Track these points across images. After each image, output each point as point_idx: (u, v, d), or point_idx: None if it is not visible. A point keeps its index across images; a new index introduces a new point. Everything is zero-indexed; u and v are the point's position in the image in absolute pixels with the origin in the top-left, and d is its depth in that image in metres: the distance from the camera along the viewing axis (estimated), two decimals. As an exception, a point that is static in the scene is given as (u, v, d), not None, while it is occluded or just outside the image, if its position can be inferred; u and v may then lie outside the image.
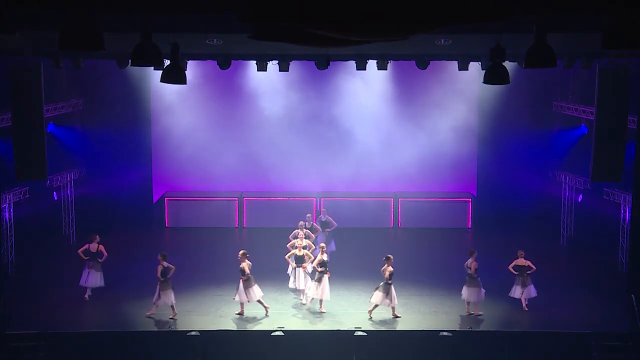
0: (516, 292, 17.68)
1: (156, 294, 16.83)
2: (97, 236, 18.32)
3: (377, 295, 16.82)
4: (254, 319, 16.87)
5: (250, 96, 25.07)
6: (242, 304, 17.07)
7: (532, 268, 17.63)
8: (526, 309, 17.56)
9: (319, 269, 17.16)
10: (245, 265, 16.93)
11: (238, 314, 17.03)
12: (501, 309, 17.68)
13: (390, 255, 17.08)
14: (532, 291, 17.75)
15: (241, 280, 16.87)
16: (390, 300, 16.80)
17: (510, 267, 17.70)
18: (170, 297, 16.83)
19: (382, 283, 16.89)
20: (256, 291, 17.03)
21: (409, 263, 19.59)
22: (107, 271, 18.47)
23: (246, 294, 16.87)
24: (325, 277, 17.19)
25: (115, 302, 17.83)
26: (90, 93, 24.28)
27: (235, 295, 16.96)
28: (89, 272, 18.02)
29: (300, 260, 17.74)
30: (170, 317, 16.83)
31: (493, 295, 18.05)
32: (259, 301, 17.12)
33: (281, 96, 24.95)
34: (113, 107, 24.32)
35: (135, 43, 11.85)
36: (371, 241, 22.85)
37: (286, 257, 18.25)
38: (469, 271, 17.22)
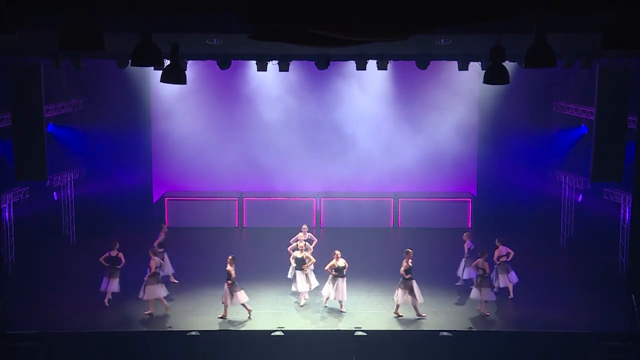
0: (502, 281, 17.92)
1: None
2: (117, 243, 18.13)
3: (477, 291, 17.15)
4: (255, 319, 16.88)
5: (251, 97, 25.07)
6: (150, 302, 17.19)
7: (510, 253, 17.83)
8: (512, 295, 17.88)
9: (407, 276, 16.93)
10: (153, 262, 17.18)
11: (147, 313, 17.07)
12: (501, 308, 17.68)
13: (484, 251, 17.39)
14: (513, 277, 18.03)
15: (147, 277, 17.08)
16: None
17: (495, 259, 17.90)
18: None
19: (478, 279, 17.15)
20: (158, 290, 17.16)
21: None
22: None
23: (144, 291, 17.08)
24: (414, 282, 17.01)
25: (115, 302, 17.82)
26: (90, 93, 24.27)
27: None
28: (109, 280, 17.70)
29: (300, 262, 17.68)
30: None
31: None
32: (158, 299, 17.26)
33: (282, 96, 24.94)
34: (113, 107, 24.30)
35: (135, 43, 11.86)
36: (371, 241, 22.85)
37: (290, 258, 18.19)
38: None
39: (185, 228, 24.49)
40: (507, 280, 18.05)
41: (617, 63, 17.23)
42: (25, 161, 17.68)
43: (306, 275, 17.67)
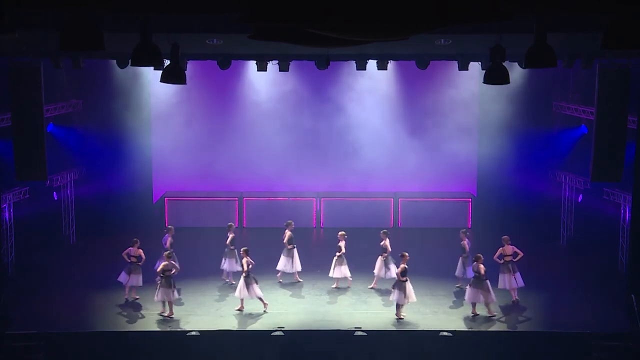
0: (501, 282, 17.76)
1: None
2: (138, 241, 18.41)
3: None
4: (255, 319, 16.88)
5: (251, 97, 25.02)
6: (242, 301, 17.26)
7: (518, 254, 17.68)
8: (516, 299, 17.71)
9: (402, 278, 17.02)
10: (245, 261, 17.16)
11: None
12: (501, 309, 17.67)
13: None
14: (519, 280, 17.79)
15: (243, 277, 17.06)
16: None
17: (495, 257, 17.77)
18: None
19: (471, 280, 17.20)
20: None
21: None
22: (107, 271, 18.48)
23: (247, 291, 17.11)
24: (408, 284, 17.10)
25: (115, 302, 17.82)
26: (90, 93, 24.20)
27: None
28: (129, 276, 17.99)
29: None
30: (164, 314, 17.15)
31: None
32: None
33: (282, 97, 24.89)
34: (113, 107, 24.23)
35: (135, 43, 11.86)
36: (371, 241, 22.82)
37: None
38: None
39: (185, 228, 24.43)
40: (506, 282, 17.81)
41: (617, 63, 17.21)
42: (25, 161, 17.65)
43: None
